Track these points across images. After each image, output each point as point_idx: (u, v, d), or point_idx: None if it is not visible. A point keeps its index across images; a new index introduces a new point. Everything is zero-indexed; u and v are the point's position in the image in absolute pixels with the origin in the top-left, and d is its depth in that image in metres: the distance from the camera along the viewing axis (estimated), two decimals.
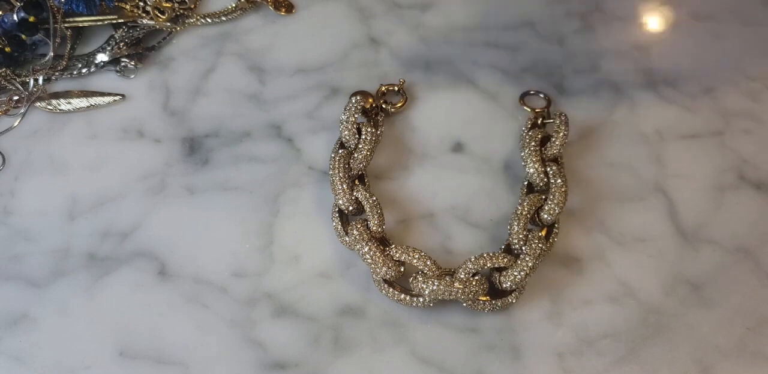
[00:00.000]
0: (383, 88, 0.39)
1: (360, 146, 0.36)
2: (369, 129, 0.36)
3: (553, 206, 0.34)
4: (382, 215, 0.34)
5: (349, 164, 0.36)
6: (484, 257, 0.33)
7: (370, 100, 0.38)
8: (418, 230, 0.36)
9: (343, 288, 0.34)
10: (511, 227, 0.34)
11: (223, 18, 0.43)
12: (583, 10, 0.44)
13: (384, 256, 0.33)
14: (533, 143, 0.36)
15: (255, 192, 0.37)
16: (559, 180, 0.35)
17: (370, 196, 0.34)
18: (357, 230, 0.33)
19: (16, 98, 0.40)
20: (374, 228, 0.34)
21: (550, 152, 0.36)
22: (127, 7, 0.42)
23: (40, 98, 0.40)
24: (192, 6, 0.43)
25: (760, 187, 0.37)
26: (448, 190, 0.37)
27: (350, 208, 0.35)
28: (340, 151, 0.36)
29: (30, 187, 0.37)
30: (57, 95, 0.40)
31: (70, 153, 0.38)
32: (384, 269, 0.33)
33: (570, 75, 0.41)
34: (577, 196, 0.36)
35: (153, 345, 0.33)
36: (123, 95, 0.40)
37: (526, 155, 0.36)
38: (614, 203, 0.37)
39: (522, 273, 0.32)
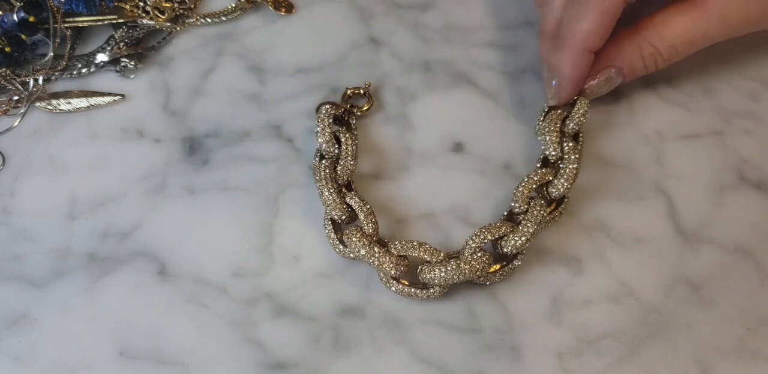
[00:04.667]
0: (349, 92, 0.39)
1: (344, 154, 0.36)
2: (348, 135, 0.36)
3: (562, 181, 0.34)
4: (376, 221, 0.34)
5: (335, 173, 0.35)
6: (484, 232, 0.33)
7: (341, 108, 0.38)
8: (418, 230, 0.36)
9: (343, 288, 0.34)
10: (515, 191, 0.34)
11: (223, 18, 0.43)
12: None
13: (389, 254, 0.33)
14: (553, 116, 0.36)
15: (255, 192, 0.37)
16: (573, 156, 0.35)
17: (364, 203, 0.34)
18: (355, 237, 0.33)
19: (16, 97, 0.40)
20: (369, 233, 0.34)
21: (568, 127, 0.36)
22: (127, 7, 0.42)
23: (40, 98, 0.40)
24: (192, 6, 0.43)
25: (760, 187, 0.37)
26: (448, 190, 0.37)
27: (344, 217, 0.35)
28: (323, 161, 0.36)
29: (30, 187, 0.37)
30: (57, 95, 0.40)
31: (70, 153, 0.38)
32: (392, 266, 0.33)
33: None
34: (576, 196, 0.36)
35: (153, 345, 0.33)
36: (123, 95, 0.40)
37: (543, 126, 0.36)
38: (614, 203, 0.36)
39: (523, 238, 0.33)
